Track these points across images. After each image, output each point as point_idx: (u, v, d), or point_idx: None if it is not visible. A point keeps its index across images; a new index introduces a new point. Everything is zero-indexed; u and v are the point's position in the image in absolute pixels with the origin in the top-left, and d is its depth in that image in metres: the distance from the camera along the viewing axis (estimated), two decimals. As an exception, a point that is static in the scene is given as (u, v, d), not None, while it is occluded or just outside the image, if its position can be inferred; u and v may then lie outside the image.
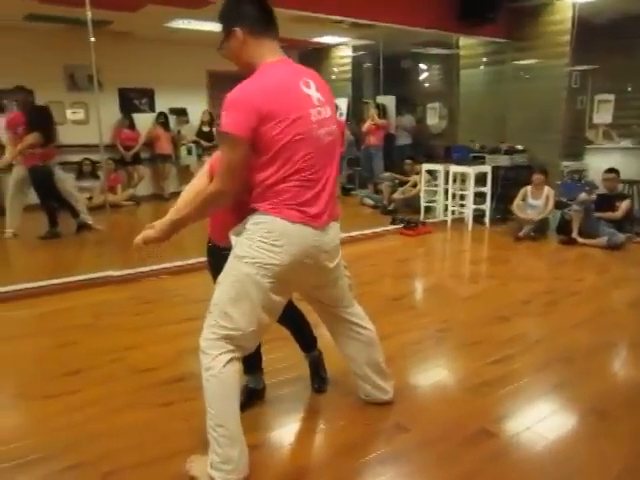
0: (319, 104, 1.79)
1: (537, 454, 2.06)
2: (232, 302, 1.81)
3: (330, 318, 2.29)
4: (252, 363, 2.36)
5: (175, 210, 1.95)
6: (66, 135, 7.01)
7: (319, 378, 2.56)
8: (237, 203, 1.88)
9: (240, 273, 1.80)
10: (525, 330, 3.33)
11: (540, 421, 2.27)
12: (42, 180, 5.50)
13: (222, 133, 1.68)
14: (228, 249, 1.89)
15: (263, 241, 1.77)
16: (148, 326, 3.33)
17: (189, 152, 8.66)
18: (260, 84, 1.71)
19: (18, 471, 1.97)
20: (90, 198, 7.15)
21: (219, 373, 1.80)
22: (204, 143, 8.60)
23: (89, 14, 4.16)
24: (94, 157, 7.55)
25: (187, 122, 8.80)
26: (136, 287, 4.14)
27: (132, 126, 8.32)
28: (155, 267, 4.36)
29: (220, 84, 9.21)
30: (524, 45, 6.88)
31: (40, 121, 5.41)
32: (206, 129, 8.63)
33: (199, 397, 2.43)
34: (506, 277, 4.56)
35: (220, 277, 1.88)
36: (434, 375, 2.76)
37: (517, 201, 6.03)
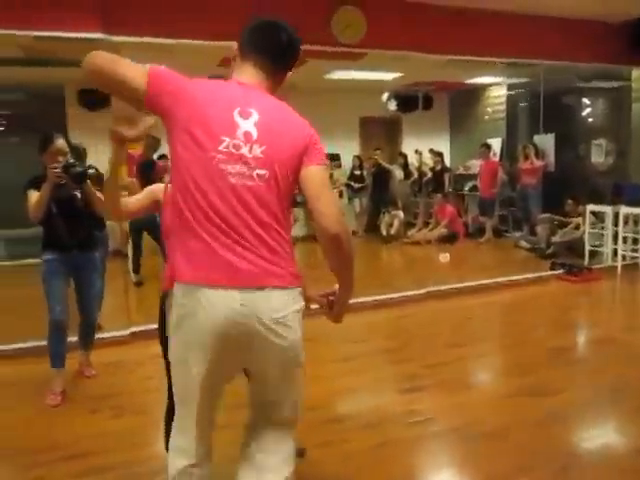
0: (244, 139, 1.46)
1: None
2: None
3: None
4: None
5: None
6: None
7: None
8: None
9: None
10: None
11: None
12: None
13: None
14: None
15: None
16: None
17: (340, 195, 9.02)
18: (197, 84, 1.50)
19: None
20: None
21: None
22: (355, 185, 8.91)
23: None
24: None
25: (339, 166, 9.22)
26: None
27: None
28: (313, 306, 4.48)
29: (371, 129, 9.58)
30: None
31: None
32: (357, 172, 8.96)
33: (352, 440, 2.51)
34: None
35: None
36: (608, 441, 2.50)
37: None
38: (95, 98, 7.31)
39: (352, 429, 2.61)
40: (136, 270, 5.83)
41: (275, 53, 1.61)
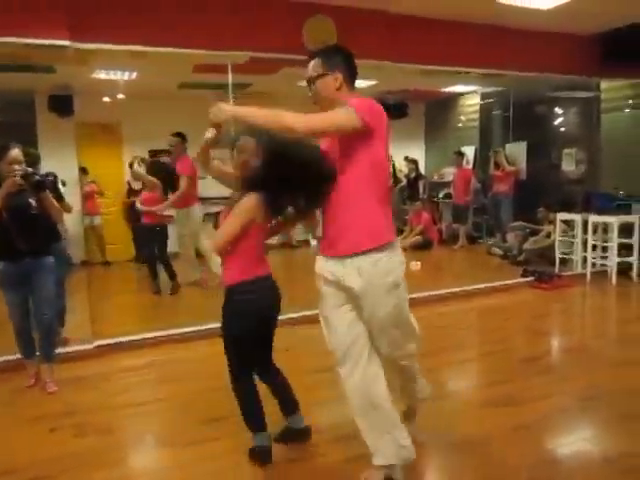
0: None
1: None
2: None
3: None
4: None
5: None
6: (207, 188, 7.64)
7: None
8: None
9: None
10: (690, 405, 2.91)
11: None
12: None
13: None
14: None
15: None
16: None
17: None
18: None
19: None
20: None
21: None
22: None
23: (230, 78, 4.57)
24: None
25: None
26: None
27: None
28: (293, 315, 4.36)
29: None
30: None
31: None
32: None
33: (325, 454, 2.46)
34: (664, 341, 4.04)
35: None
36: (577, 451, 2.49)
37: (673, 254, 5.40)
38: (65, 105, 7.20)
39: (325, 442, 2.55)
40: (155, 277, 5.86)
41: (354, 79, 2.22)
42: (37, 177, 3.12)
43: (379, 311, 2.05)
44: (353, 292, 2.06)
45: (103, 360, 3.87)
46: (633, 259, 5.88)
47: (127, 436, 2.82)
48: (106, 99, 7.39)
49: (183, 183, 5.44)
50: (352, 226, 2.04)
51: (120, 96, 7.35)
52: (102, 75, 6.13)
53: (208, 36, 4.19)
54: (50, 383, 3.33)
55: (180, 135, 5.66)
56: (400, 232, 8.52)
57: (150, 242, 5.78)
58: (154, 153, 7.91)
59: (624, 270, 5.94)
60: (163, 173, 5.77)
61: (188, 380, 3.46)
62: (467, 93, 9.06)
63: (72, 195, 6.17)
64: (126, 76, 6.29)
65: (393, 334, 2.12)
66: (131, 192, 7.83)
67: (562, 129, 8.29)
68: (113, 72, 6.12)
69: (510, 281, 5.86)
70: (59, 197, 3.86)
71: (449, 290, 5.35)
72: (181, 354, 3.98)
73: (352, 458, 2.38)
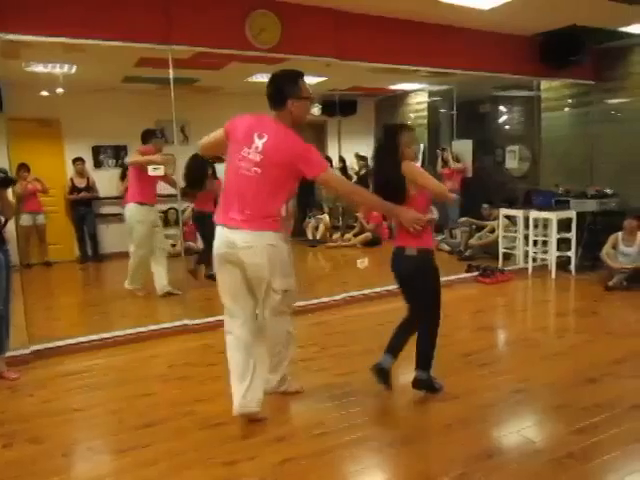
0: (254, 150, 2.58)
1: None
2: None
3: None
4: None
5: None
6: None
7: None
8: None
9: None
10: (617, 394, 3.03)
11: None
12: None
13: None
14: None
15: None
16: (220, 377, 3.37)
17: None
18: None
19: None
20: (174, 245, 7.51)
21: None
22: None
23: (171, 73, 4.46)
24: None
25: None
26: (211, 336, 4.16)
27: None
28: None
29: (297, 132, 9.53)
30: (613, 86, 6.56)
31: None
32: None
33: (260, 455, 2.44)
34: (595, 332, 4.22)
35: None
36: (511, 443, 2.57)
37: (607, 249, 5.64)
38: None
39: (258, 445, 2.54)
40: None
41: (268, 100, 2.69)
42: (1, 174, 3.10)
43: None
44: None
45: (40, 366, 3.73)
46: (571, 253, 6.12)
47: (61, 444, 2.71)
48: (44, 93, 7.09)
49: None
50: None
51: (59, 90, 7.06)
52: (39, 68, 5.88)
53: (147, 29, 4.06)
54: (9, 372, 3.43)
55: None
56: (350, 228, 8.60)
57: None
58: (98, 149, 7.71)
59: (563, 264, 6.18)
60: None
61: (125, 385, 3.38)
62: (415, 91, 9.19)
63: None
64: (65, 69, 6.05)
65: None
66: (74, 189, 7.58)
67: (506, 127, 8.54)
68: (51, 65, 5.88)
69: (455, 277, 5.98)
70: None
71: (395, 287, 5.39)
72: (121, 358, 3.88)
73: (284, 460, 2.37)
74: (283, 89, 2.63)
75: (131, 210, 5.27)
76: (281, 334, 2.89)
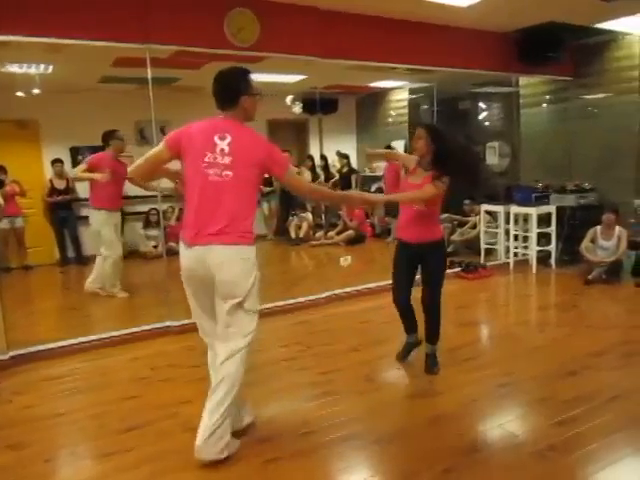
0: (219, 153, 2.39)
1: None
2: None
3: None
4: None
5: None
6: (133, 187, 7.38)
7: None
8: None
9: None
10: (597, 386, 3.08)
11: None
12: None
13: None
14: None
15: None
16: (204, 378, 3.35)
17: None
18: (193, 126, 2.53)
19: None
20: (155, 246, 7.44)
21: None
22: (264, 189, 8.81)
23: (149, 73, 4.42)
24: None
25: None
26: (195, 338, 4.12)
27: None
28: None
29: (279, 131, 9.52)
30: (590, 82, 6.65)
31: None
32: (265, 175, 8.82)
33: (244, 457, 2.43)
34: (576, 325, 4.29)
35: None
36: (494, 437, 2.60)
37: (585, 243, 5.73)
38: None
39: (243, 446, 2.52)
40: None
41: (217, 100, 2.52)
42: None
43: None
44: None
45: (19, 371, 3.67)
46: (551, 247, 6.20)
47: (42, 450, 2.67)
48: (20, 94, 6.96)
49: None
50: None
51: (35, 91, 6.95)
52: (14, 69, 5.77)
53: (124, 28, 4.02)
54: None
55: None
56: (333, 226, 8.60)
57: None
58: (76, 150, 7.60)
59: (544, 258, 6.26)
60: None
61: (107, 388, 3.34)
62: (396, 88, 9.21)
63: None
64: (41, 69, 5.95)
65: None
66: (53, 191, 7.47)
67: (486, 123, 8.61)
68: (27, 66, 5.78)
69: (438, 272, 6.01)
70: None
71: (378, 284, 5.43)
72: (103, 361, 3.83)
73: (269, 460, 2.37)
74: (235, 86, 2.49)
75: (95, 215, 5.32)
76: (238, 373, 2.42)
